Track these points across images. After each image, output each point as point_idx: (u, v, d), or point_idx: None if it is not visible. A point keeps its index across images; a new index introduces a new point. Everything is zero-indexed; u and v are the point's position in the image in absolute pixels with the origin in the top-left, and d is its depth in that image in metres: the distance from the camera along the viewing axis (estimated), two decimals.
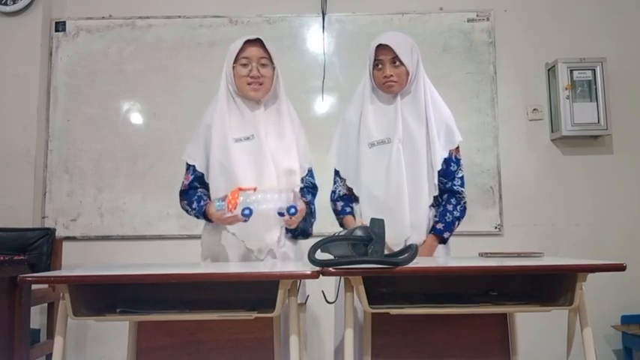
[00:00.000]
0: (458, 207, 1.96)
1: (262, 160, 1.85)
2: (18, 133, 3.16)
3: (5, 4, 3.20)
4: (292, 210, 1.73)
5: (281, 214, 1.74)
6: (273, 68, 1.91)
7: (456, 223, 1.96)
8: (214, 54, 3.27)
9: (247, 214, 1.70)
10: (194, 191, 1.93)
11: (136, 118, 3.28)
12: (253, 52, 1.88)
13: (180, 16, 3.32)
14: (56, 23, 3.31)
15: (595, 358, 1.42)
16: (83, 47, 3.30)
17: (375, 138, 1.95)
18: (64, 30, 3.31)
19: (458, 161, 2.00)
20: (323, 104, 3.25)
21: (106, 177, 3.21)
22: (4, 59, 3.20)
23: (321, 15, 3.30)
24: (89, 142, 3.24)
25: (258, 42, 1.89)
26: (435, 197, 1.95)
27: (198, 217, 1.91)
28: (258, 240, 1.85)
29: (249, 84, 1.87)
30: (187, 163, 1.97)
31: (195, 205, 1.90)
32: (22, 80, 3.20)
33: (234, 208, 1.71)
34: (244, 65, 1.88)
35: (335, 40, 3.30)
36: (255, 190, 1.75)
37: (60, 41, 3.30)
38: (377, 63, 1.95)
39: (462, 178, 1.99)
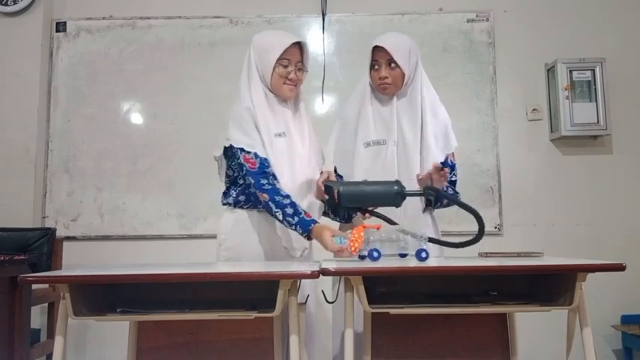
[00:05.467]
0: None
1: (294, 157, 1.87)
2: (18, 133, 3.16)
3: (6, 4, 3.20)
4: (423, 254, 1.62)
5: (403, 255, 1.66)
6: (305, 72, 1.95)
7: (449, 194, 1.93)
8: (214, 54, 3.28)
9: (376, 257, 1.59)
10: (274, 184, 1.80)
11: (136, 118, 3.28)
12: (294, 54, 1.90)
13: (180, 17, 3.32)
14: (57, 23, 3.32)
15: (595, 358, 1.42)
16: (83, 47, 3.31)
17: (371, 138, 1.94)
18: (64, 30, 3.31)
19: (453, 166, 2.00)
20: (323, 104, 3.25)
21: (106, 177, 3.22)
22: (5, 59, 3.21)
23: (321, 15, 3.30)
24: (89, 142, 3.24)
25: (298, 45, 1.91)
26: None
27: (290, 227, 1.77)
28: (294, 239, 1.85)
29: (286, 84, 1.89)
30: (244, 149, 1.83)
31: (290, 212, 1.76)
32: (22, 80, 3.20)
33: (357, 249, 1.61)
34: (285, 66, 1.89)
35: (335, 41, 3.31)
36: (379, 228, 1.65)
37: (60, 41, 3.31)
38: (373, 64, 1.94)
39: (454, 182, 2.00)
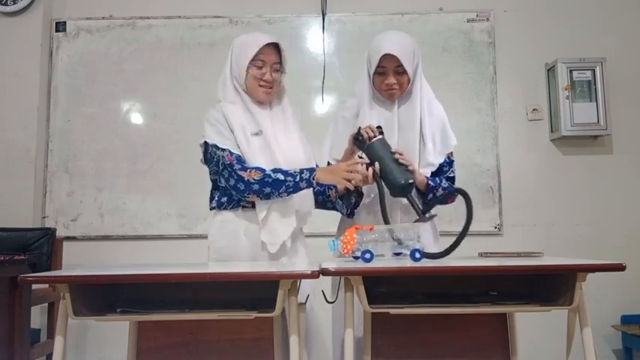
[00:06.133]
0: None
1: (272, 156, 1.84)
2: (18, 133, 3.16)
3: (5, 4, 3.20)
4: (417, 255, 1.58)
5: (397, 254, 1.63)
6: (283, 74, 1.92)
7: (441, 189, 1.91)
8: (214, 54, 3.27)
9: (368, 259, 1.56)
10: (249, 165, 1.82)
11: (136, 118, 3.28)
12: (270, 56, 1.87)
13: (180, 17, 3.32)
14: (56, 23, 3.31)
15: (595, 358, 1.42)
16: (83, 47, 3.31)
17: None
18: (64, 30, 3.31)
19: (451, 162, 1.99)
20: (323, 104, 3.25)
21: (106, 177, 3.22)
22: (5, 59, 3.21)
23: (321, 15, 3.30)
24: (89, 142, 3.24)
25: (274, 46, 1.88)
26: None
27: (294, 181, 1.77)
28: (271, 232, 1.83)
29: (261, 86, 1.87)
30: (218, 146, 1.84)
31: (289, 168, 1.80)
32: (22, 80, 3.20)
33: (350, 250, 1.59)
34: (259, 67, 1.86)
35: (335, 40, 3.30)
36: (372, 229, 1.62)
37: (60, 41, 3.31)
38: (379, 70, 1.92)
39: (452, 178, 1.97)
